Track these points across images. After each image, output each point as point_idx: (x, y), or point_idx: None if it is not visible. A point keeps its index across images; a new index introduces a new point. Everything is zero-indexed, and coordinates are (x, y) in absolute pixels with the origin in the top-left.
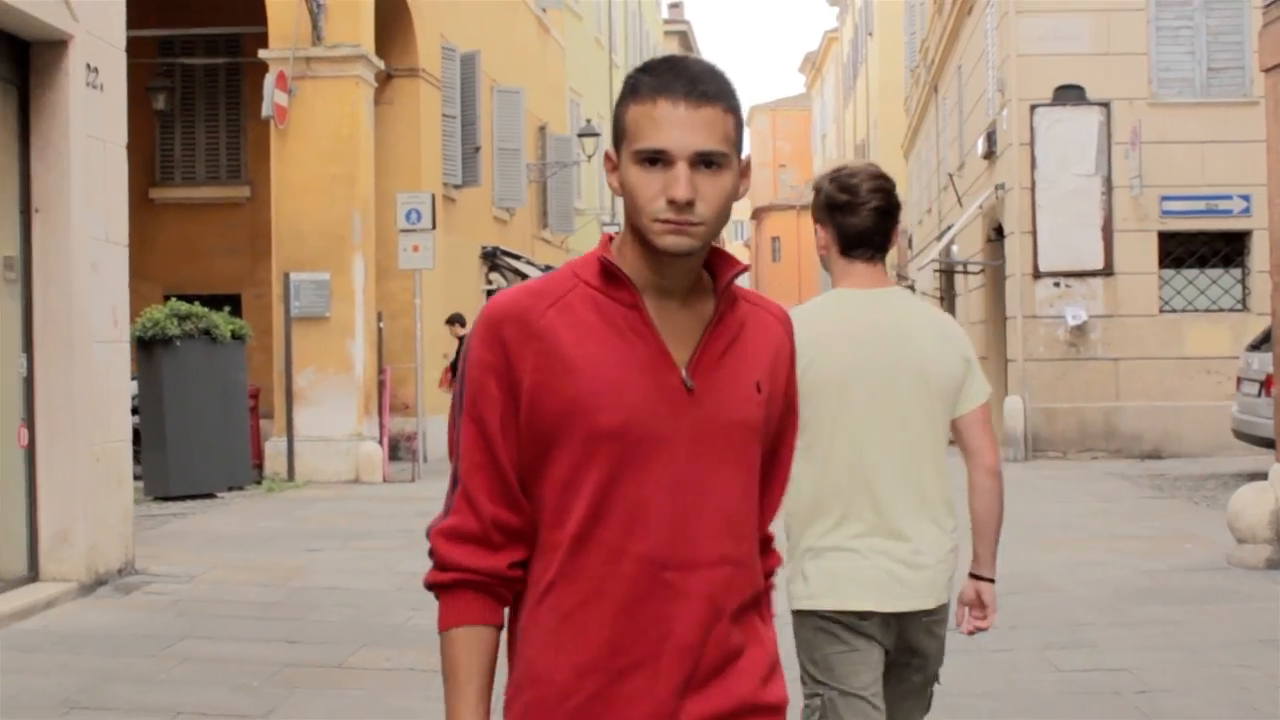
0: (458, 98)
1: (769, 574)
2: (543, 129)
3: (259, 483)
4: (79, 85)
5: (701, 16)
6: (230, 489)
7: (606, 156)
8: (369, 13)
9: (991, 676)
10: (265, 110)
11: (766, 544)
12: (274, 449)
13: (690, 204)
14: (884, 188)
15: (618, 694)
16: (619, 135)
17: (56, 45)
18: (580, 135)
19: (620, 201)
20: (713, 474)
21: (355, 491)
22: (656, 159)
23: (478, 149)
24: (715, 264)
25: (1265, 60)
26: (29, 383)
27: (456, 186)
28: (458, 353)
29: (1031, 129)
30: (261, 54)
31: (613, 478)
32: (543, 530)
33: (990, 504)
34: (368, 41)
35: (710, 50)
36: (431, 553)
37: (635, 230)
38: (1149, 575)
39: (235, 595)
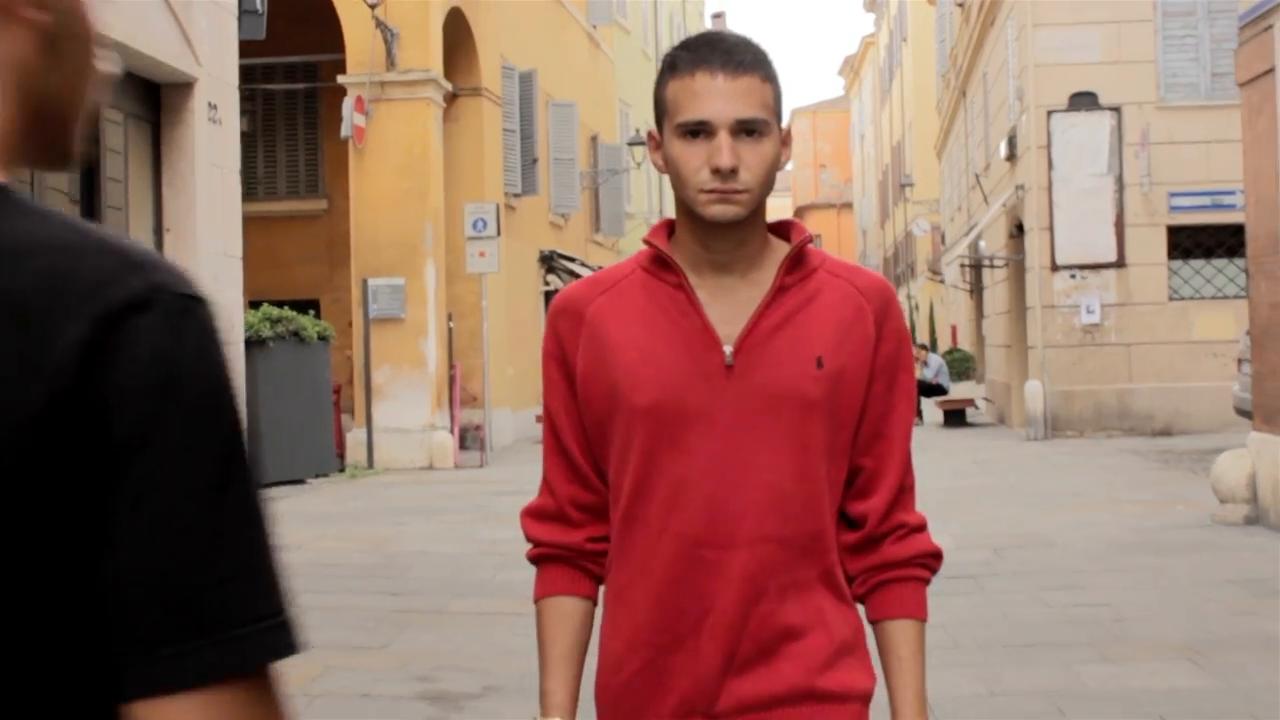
0: (517, 113)
1: (893, 563)
2: (594, 139)
3: (342, 470)
4: (202, 121)
5: (744, 24)
6: (317, 476)
7: (649, 136)
8: (438, 40)
9: (990, 612)
10: (344, 131)
11: (892, 531)
12: (354, 440)
13: (734, 171)
14: None
15: (661, 669)
16: (660, 112)
17: (183, 87)
18: (630, 144)
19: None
20: (756, 452)
21: (430, 477)
22: (699, 131)
23: (535, 160)
24: (789, 235)
25: (1241, 75)
26: None
27: (516, 195)
28: None
29: (1048, 133)
30: (340, 79)
31: (651, 455)
32: (610, 509)
33: None
34: (437, 66)
35: None
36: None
37: (683, 205)
38: (1140, 532)
39: (340, 559)
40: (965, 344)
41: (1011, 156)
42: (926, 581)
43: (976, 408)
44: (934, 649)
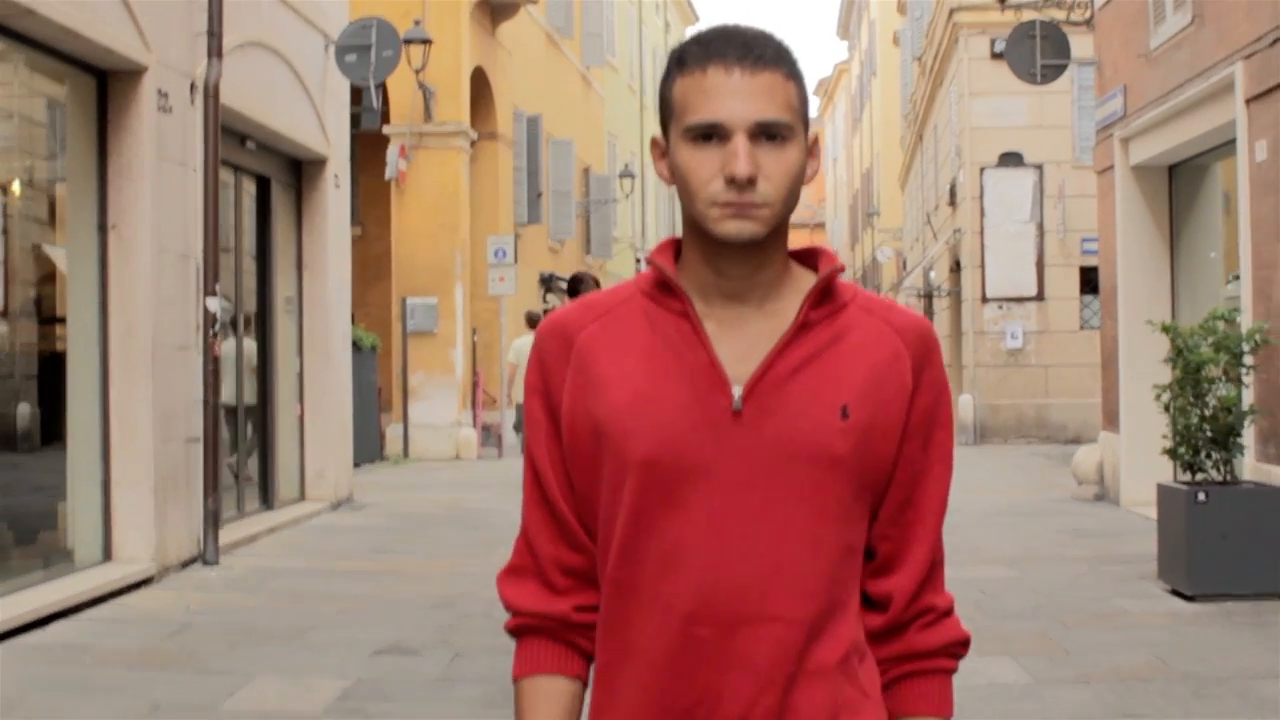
0: (525, 152)
1: (920, 653)
2: (587, 170)
3: (383, 459)
4: (331, 188)
5: None
6: (367, 462)
7: (654, 143)
8: (466, 96)
9: None
10: (389, 173)
11: (920, 615)
12: (393, 433)
13: (752, 182)
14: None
15: None
16: (666, 115)
17: (319, 162)
18: (620, 176)
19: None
20: (766, 515)
21: (458, 465)
22: (711, 134)
23: (540, 194)
24: (815, 264)
25: (1096, 166)
26: (300, 376)
27: (523, 225)
28: None
29: (981, 186)
30: (385, 129)
31: (644, 514)
32: (599, 573)
33: None
34: (465, 118)
35: None
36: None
37: (692, 222)
38: (1015, 504)
39: (425, 512)
40: None
41: (952, 203)
42: (953, 673)
43: None
44: None
